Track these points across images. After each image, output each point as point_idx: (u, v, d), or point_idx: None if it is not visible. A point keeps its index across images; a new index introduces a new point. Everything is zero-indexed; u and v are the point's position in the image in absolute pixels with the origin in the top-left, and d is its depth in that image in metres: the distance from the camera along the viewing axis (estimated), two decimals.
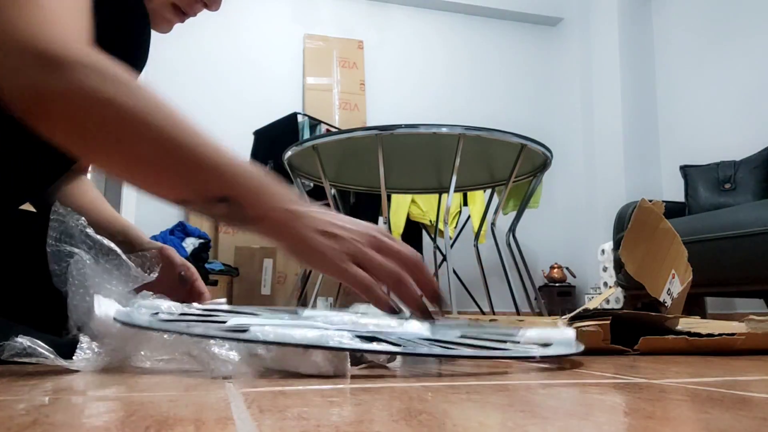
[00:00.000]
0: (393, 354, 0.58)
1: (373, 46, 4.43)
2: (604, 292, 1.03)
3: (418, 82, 4.50)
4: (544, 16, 4.76)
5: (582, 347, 0.70)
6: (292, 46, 4.28)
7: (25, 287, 0.82)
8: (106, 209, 0.90)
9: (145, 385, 0.47)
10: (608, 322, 0.83)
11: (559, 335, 0.68)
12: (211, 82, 4.08)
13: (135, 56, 0.75)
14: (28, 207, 0.84)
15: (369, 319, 0.61)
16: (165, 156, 0.55)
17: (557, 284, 4.17)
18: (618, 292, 3.51)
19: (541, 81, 4.80)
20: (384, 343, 0.55)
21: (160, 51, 4.00)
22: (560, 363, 0.70)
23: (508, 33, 4.79)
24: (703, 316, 3.07)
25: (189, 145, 0.56)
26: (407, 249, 0.61)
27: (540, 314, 2.51)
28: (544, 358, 0.65)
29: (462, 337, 0.65)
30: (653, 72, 4.05)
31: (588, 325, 0.82)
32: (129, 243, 0.84)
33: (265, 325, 0.53)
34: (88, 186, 0.93)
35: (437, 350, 0.57)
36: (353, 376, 0.54)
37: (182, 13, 0.79)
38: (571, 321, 0.86)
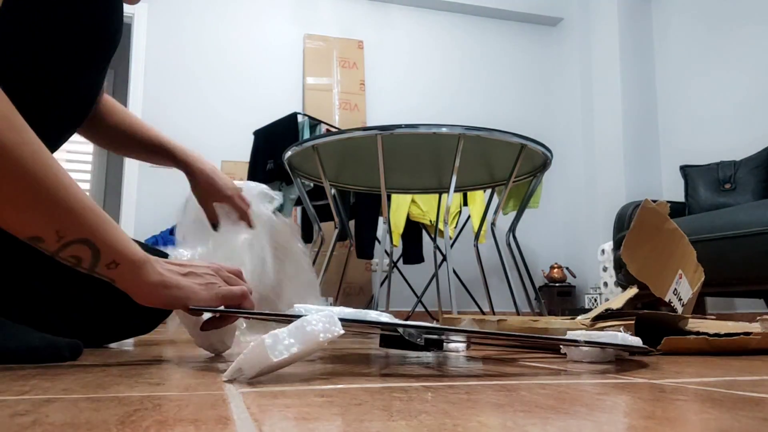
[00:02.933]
0: (425, 329, 0.62)
1: (373, 46, 4.43)
2: (626, 292, 1.03)
3: (418, 82, 4.50)
4: (544, 16, 4.76)
5: (639, 342, 0.71)
6: (292, 46, 4.28)
7: (26, 289, 0.82)
8: (146, 127, 1.04)
9: (145, 385, 0.47)
10: (633, 322, 0.83)
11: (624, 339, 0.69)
12: (211, 82, 4.08)
13: (106, 34, 0.75)
14: None
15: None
16: (29, 194, 0.54)
17: (557, 284, 4.17)
18: (619, 292, 3.51)
19: (541, 81, 4.80)
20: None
21: (161, 50, 4.00)
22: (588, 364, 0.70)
23: (508, 33, 4.79)
24: (703, 316, 3.06)
25: (55, 185, 0.55)
26: (232, 267, 0.74)
27: (539, 314, 2.51)
28: (592, 344, 0.68)
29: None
30: (653, 72, 4.05)
31: (613, 325, 0.83)
32: (171, 153, 1.02)
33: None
34: (121, 107, 1.03)
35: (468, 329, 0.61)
36: (353, 375, 0.54)
37: None
38: (594, 320, 0.87)
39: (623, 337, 0.69)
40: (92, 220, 0.57)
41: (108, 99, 1.02)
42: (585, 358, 0.71)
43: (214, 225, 0.97)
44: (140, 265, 0.60)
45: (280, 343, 0.49)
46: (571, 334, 0.72)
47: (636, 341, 0.69)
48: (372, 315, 0.61)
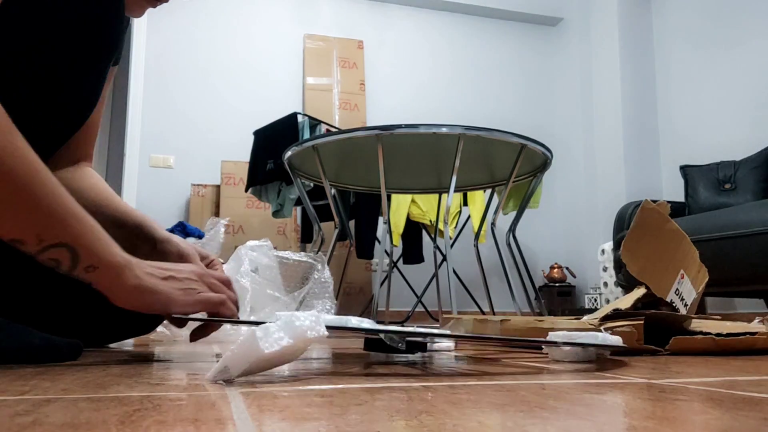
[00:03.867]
0: (407, 334, 0.61)
1: (373, 46, 4.43)
2: (633, 292, 1.03)
3: (418, 82, 4.50)
4: (544, 16, 4.76)
5: (620, 341, 0.71)
6: (292, 46, 4.28)
7: (26, 289, 0.82)
8: (121, 203, 0.91)
9: (145, 385, 0.47)
10: (642, 322, 0.83)
11: (596, 336, 0.69)
12: (212, 82, 4.08)
13: (106, 39, 0.75)
14: None
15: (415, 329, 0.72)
16: (12, 198, 0.54)
17: (557, 284, 4.17)
18: (618, 292, 3.51)
19: (541, 81, 4.80)
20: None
21: (160, 51, 4.00)
22: (591, 363, 0.70)
23: (508, 33, 4.79)
24: (706, 316, 3.07)
25: (39, 190, 0.56)
26: (221, 273, 0.73)
27: (540, 314, 2.51)
28: (572, 345, 0.67)
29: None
30: (653, 72, 4.05)
31: (622, 326, 0.83)
32: (145, 236, 0.86)
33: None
34: (98, 178, 0.93)
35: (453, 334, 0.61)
36: (353, 375, 0.54)
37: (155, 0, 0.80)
38: (603, 321, 0.87)
39: (603, 336, 0.70)
40: (73, 224, 0.58)
41: (86, 172, 0.91)
42: (566, 358, 0.72)
43: None
44: (118, 270, 0.60)
45: (270, 335, 0.49)
46: (552, 335, 0.73)
47: (616, 341, 0.70)
48: (353, 321, 0.62)
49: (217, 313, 0.68)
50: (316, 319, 0.52)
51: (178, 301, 0.64)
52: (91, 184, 0.90)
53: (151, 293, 0.62)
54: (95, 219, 0.84)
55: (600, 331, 0.78)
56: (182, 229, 3.40)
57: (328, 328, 0.54)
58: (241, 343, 0.49)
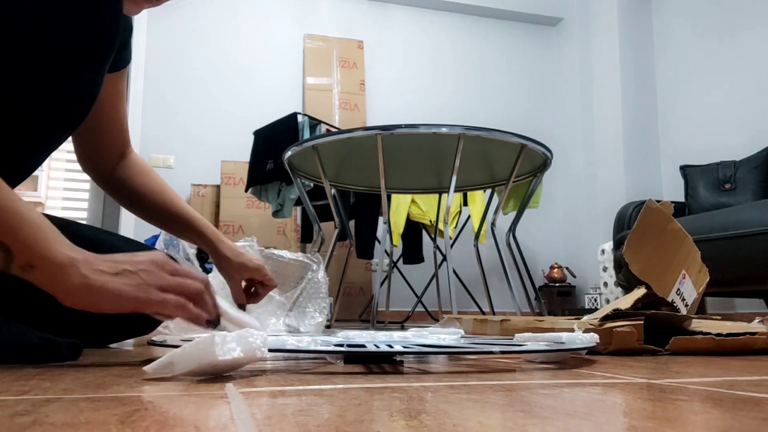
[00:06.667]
0: (382, 354, 0.63)
1: (373, 46, 4.43)
2: (633, 292, 1.04)
3: (418, 82, 4.50)
4: (544, 16, 4.76)
5: (595, 341, 0.71)
6: (292, 46, 4.28)
7: (26, 288, 0.82)
8: (172, 196, 0.98)
9: (145, 385, 0.47)
10: (642, 322, 0.83)
11: (571, 336, 0.70)
12: (212, 82, 4.08)
13: (104, 35, 0.76)
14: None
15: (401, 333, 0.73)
16: None
17: (557, 284, 4.17)
18: (618, 292, 3.51)
19: (541, 81, 4.80)
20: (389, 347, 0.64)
21: (161, 51, 4.00)
22: (566, 362, 0.70)
23: (508, 33, 4.79)
24: (706, 316, 3.06)
25: None
26: (192, 269, 0.66)
27: (540, 314, 2.51)
28: (551, 352, 0.67)
29: (476, 344, 0.70)
30: (653, 72, 4.05)
31: (622, 326, 0.83)
32: (198, 229, 0.94)
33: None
34: (147, 170, 0.98)
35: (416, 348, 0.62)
36: (353, 375, 0.54)
37: None
38: (603, 320, 0.87)
39: (581, 338, 0.70)
40: (7, 220, 0.55)
41: (135, 160, 0.98)
42: (538, 358, 0.73)
43: (242, 305, 0.93)
44: (61, 268, 0.56)
45: (227, 344, 0.50)
46: (518, 337, 0.73)
47: (590, 339, 0.70)
48: (290, 342, 0.63)
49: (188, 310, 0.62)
50: (264, 341, 0.54)
51: (128, 297, 0.59)
52: (147, 179, 0.97)
53: (101, 290, 0.57)
54: (167, 220, 0.94)
55: (573, 330, 0.78)
56: None
57: (273, 350, 0.58)
58: (195, 344, 0.50)
